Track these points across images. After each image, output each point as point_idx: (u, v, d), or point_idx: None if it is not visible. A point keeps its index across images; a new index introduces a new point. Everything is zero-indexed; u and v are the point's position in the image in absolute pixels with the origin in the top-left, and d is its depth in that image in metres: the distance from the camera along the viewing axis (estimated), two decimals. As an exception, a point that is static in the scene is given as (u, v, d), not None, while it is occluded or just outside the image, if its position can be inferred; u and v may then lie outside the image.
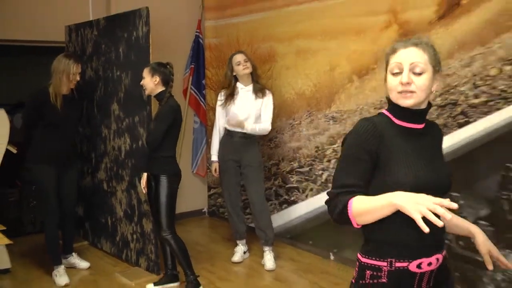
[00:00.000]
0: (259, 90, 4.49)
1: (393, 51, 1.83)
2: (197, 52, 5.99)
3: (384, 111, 1.92)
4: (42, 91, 4.10)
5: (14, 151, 4.42)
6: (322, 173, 4.67)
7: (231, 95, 4.50)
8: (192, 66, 5.96)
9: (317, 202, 4.76)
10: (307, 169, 4.85)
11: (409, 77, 1.74)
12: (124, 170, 4.56)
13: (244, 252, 4.77)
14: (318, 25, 4.70)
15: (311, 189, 4.81)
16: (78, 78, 4.15)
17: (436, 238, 1.76)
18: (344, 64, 4.47)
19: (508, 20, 3.36)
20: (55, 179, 4.18)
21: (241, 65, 4.42)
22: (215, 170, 4.67)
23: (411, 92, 1.75)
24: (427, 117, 1.90)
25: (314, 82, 4.77)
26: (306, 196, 4.86)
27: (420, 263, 1.74)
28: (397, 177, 1.71)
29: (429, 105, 1.86)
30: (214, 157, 4.66)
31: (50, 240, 4.21)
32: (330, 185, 4.51)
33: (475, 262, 3.55)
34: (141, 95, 4.23)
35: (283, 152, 5.14)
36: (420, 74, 1.75)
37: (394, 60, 1.80)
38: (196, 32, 5.97)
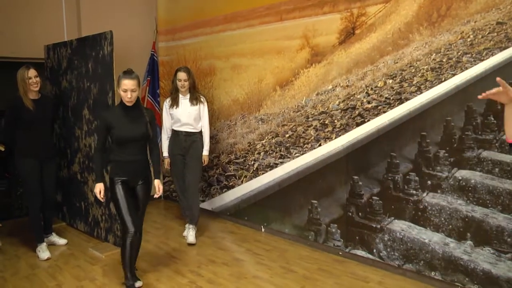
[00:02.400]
0: (194, 99, 4.43)
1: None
2: (152, 67, 5.94)
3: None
4: (15, 98, 4.00)
5: (2, 149, 4.32)
6: (254, 163, 4.74)
7: (175, 101, 4.46)
8: (149, 78, 5.91)
9: (250, 186, 4.81)
10: (242, 160, 4.92)
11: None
12: (94, 164, 4.50)
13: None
14: (248, 47, 4.78)
15: (245, 176, 4.87)
16: (35, 81, 3.99)
17: None
18: (269, 77, 4.56)
19: (388, 46, 3.56)
20: (37, 169, 4.09)
21: (181, 83, 4.37)
22: (167, 163, 4.65)
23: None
24: None
25: (246, 91, 4.85)
26: (242, 182, 4.92)
27: None
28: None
29: None
30: (166, 153, 4.60)
31: (34, 221, 4.13)
32: (261, 172, 4.64)
33: (370, 228, 3.75)
34: (107, 102, 4.21)
35: (222, 147, 5.19)
36: None
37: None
38: (151, 51, 5.92)
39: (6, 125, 4.06)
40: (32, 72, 3.99)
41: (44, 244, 4.18)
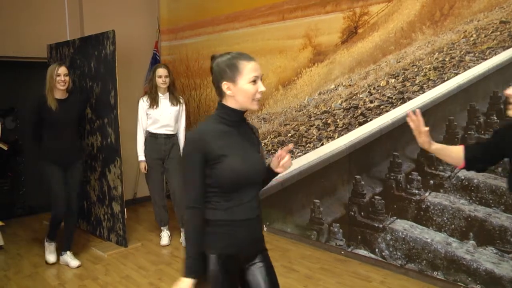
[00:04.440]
0: (174, 99, 4.29)
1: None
2: (155, 66, 5.95)
3: None
4: (39, 96, 3.74)
5: (5, 148, 4.31)
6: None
7: (154, 101, 4.23)
8: (150, 78, 5.91)
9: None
10: (244, 159, 4.89)
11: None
12: (97, 163, 4.51)
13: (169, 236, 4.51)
14: (251, 46, 4.77)
15: (248, 175, 4.84)
16: (63, 79, 3.70)
17: None
18: (271, 76, 4.56)
19: (390, 46, 3.55)
20: (59, 173, 3.79)
21: (161, 79, 4.21)
22: (144, 167, 4.29)
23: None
24: None
25: (248, 90, 4.83)
26: (244, 181, 4.89)
27: None
28: None
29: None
30: (142, 157, 4.28)
31: (54, 218, 3.83)
32: (262, 171, 4.62)
33: (372, 227, 3.75)
34: (109, 101, 4.20)
35: (225, 146, 5.16)
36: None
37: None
38: (154, 50, 5.92)
39: (32, 124, 3.83)
40: (62, 70, 3.73)
41: (54, 244, 3.98)
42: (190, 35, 5.60)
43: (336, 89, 3.97)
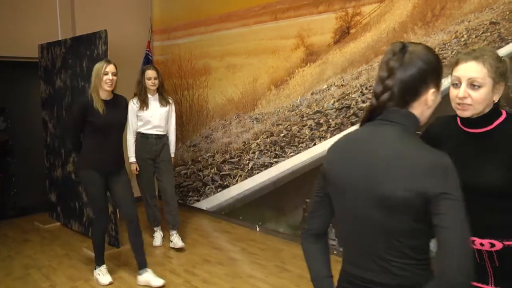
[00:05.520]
0: (163, 100, 4.25)
1: (456, 63, 1.54)
2: (147, 66, 5.92)
3: (458, 117, 1.64)
4: (84, 97, 3.40)
5: None
6: (249, 162, 4.72)
7: (144, 103, 4.19)
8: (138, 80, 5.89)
9: (245, 185, 4.78)
10: (236, 159, 4.89)
11: (465, 92, 1.49)
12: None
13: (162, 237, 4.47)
14: (243, 46, 4.76)
15: (240, 175, 4.84)
16: (111, 78, 3.31)
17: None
18: (264, 76, 4.54)
19: (383, 46, 3.55)
20: (102, 183, 3.43)
21: (151, 81, 4.16)
22: (136, 169, 4.25)
23: (468, 105, 1.50)
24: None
25: (241, 90, 4.83)
26: (237, 181, 4.89)
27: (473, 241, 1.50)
28: None
29: (494, 109, 1.54)
30: (133, 158, 4.23)
31: (96, 242, 3.54)
32: (255, 172, 4.62)
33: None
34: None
35: (217, 146, 5.16)
36: (478, 88, 1.48)
37: (454, 73, 1.53)
38: (146, 50, 5.88)
39: (72, 126, 3.48)
40: (111, 68, 3.34)
41: (104, 266, 3.59)
42: (182, 35, 5.57)
43: (328, 89, 3.96)
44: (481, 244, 1.54)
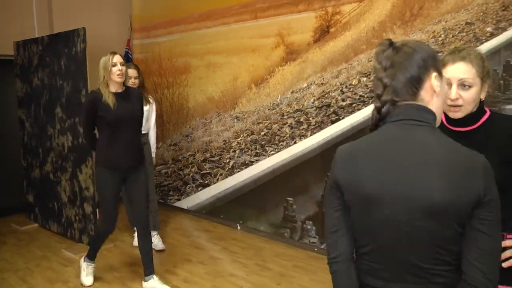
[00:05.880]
0: (144, 99, 4.11)
1: (443, 64, 1.51)
2: (126, 65, 5.86)
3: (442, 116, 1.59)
4: (93, 92, 3.21)
5: None
6: (229, 161, 4.70)
7: None
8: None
9: (225, 184, 4.75)
10: (217, 158, 4.87)
11: (457, 93, 1.49)
12: (67, 163, 4.39)
13: None
14: (224, 44, 4.74)
15: (221, 174, 4.82)
16: (120, 68, 3.14)
17: None
18: (244, 75, 4.53)
19: (362, 45, 3.58)
20: (115, 186, 3.23)
21: (131, 80, 4.02)
22: None
23: (460, 106, 1.51)
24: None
25: (221, 89, 4.80)
26: (217, 180, 4.87)
27: None
28: None
29: (480, 107, 1.56)
30: None
31: (96, 238, 3.44)
32: (236, 170, 4.61)
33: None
34: (80, 100, 4.10)
35: (198, 145, 5.13)
36: (468, 88, 1.49)
37: (444, 74, 1.44)
38: (126, 48, 5.81)
39: (84, 122, 3.31)
40: (118, 58, 3.18)
41: (93, 265, 3.49)
42: (163, 33, 5.52)
43: (308, 87, 3.97)
44: None
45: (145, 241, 3.33)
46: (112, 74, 3.15)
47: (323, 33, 3.81)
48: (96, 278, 3.52)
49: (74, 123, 4.22)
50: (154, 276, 3.33)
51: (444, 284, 1.12)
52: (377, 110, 1.19)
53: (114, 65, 3.15)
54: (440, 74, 1.19)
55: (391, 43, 1.21)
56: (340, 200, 1.24)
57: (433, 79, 1.17)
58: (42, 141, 4.73)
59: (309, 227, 4.03)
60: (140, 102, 3.37)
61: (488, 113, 1.59)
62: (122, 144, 3.19)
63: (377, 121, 1.20)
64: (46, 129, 4.62)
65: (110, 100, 3.12)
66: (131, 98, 3.27)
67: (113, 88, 3.20)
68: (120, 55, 3.24)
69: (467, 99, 1.49)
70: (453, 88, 1.50)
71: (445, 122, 1.62)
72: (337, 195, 1.24)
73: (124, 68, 3.19)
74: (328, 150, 3.81)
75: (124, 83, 3.28)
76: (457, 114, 1.53)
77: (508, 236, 1.54)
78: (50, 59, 4.48)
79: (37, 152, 4.82)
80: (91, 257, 3.47)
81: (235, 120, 4.65)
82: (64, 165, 4.43)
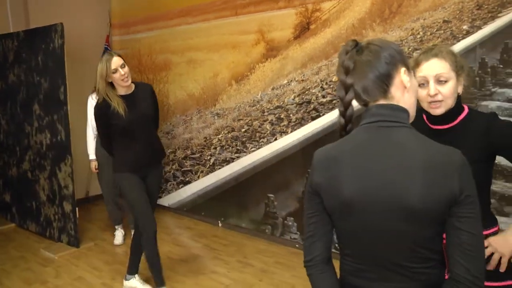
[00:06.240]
0: None
1: (417, 64, 1.56)
2: (105, 61, 5.76)
3: (423, 114, 1.63)
4: (99, 105, 2.97)
5: None
6: (210, 158, 4.67)
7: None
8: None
9: (206, 181, 4.72)
10: (198, 155, 4.84)
11: (435, 89, 1.51)
12: (46, 161, 4.31)
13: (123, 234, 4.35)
14: (204, 41, 4.70)
15: (202, 171, 4.79)
16: (123, 73, 2.87)
17: None
18: (224, 71, 4.50)
19: (342, 42, 3.59)
20: (142, 183, 3.06)
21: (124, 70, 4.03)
22: (95, 167, 4.16)
23: (440, 101, 1.52)
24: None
25: (201, 85, 4.77)
26: (198, 177, 4.84)
27: None
28: None
29: (458, 103, 1.57)
30: (92, 156, 4.12)
31: (146, 242, 3.08)
32: (217, 167, 4.59)
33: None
34: (59, 97, 4.02)
35: (179, 142, 5.08)
36: (445, 83, 1.51)
37: (419, 73, 1.54)
38: (105, 45, 5.71)
39: (99, 131, 3.14)
40: (115, 62, 2.86)
41: (139, 277, 3.31)
42: (142, 29, 5.44)
43: (289, 84, 3.97)
44: None
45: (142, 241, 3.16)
46: (115, 80, 2.90)
47: (303, 30, 3.81)
48: (76, 277, 3.48)
49: (53, 121, 4.14)
50: (137, 276, 3.30)
51: (428, 281, 1.13)
52: (341, 114, 1.19)
53: (115, 71, 2.86)
54: (408, 69, 1.18)
55: (356, 44, 1.20)
56: (319, 206, 1.23)
57: (402, 74, 1.16)
58: (19, 139, 4.63)
59: (290, 223, 4.03)
60: (153, 97, 3.17)
61: (466, 110, 1.60)
62: (141, 145, 3.02)
63: (344, 126, 1.20)
64: (23, 127, 4.52)
65: (120, 107, 2.88)
66: (142, 97, 3.04)
67: (122, 91, 2.97)
68: (120, 56, 2.96)
69: (445, 93, 1.51)
70: (430, 84, 1.52)
71: (425, 120, 1.64)
72: (316, 201, 1.23)
73: (126, 69, 2.92)
74: (308, 147, 3.82)
75: (133, 81, 3.05)
76: (438, 110, 1.54)
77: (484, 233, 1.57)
78: (26, 55, 4.38)
79: (14, 150, 4.71)
80: (132, 271, 3.28)
81: (216, 117, 4.63)
82: (42, 163, 4.35)
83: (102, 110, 2.92)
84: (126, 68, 2.91)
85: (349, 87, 1.17)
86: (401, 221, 1.08)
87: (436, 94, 1.52)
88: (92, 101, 4.04)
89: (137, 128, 2.98)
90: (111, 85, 2.95)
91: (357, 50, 1.18)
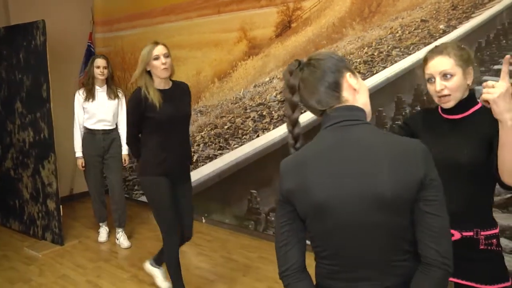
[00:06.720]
0: (112, 92, 4.03)
1: (424, 62, 1.65)
2: (89, 59, 5.67)
3: (439, 106, 1.70)
4: (136, 92, 2.69)
5: None
6: (193, 155, 4.66)
7: (90, 93, 3.95)
8: (86, 71, 5.64)
9: (190, 178, 4.73)
10: (182, 152, 4.82)
11: (441, 84, 1.58)
12: (29, 159, 4.26)
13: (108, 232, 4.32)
14: (187, 39, 4.69)
15: (186, 168, 4.78)
16: (164, 61, 2.64)
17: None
18: (207, 69, 4.50)
19: (323, 40, 3.63)
20: (170, 190, 2.79)
21: (99, 70, 3.93)
22: (81, 164, 4.07)
23: (448, 95, 1.58)
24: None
25: (185, 83, 4.77)
26: (182, 174, 4.83)
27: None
28: None
29: (470, 96, 1.63)
30: (79, 153, 4.03)
31: (170, 263, 2.91)
32: (200, 164, 4.59)
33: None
34: (41, 94, 3.98)
35: (163, 139, 5.06)
36: (450, 77, 1.57)
37: (426, 71, 1.63)
38: (88, 42, 5.65)
39: (128, 126, 2.86)
40: (159, 49, 2.67)
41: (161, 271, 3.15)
42: (125, 27, 5.41)
43: (271, 81, 4.00)
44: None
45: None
46: (154, 68, 2.67)
47: (285, 28, 3.83)
48: (59, 277, 3.46)
49: (36, 118, 4.10)
50: (161, 268, 3.16)
51: (404, 275, 1.15)
52: (289, 132, 1.26)
53: (157, 58, 2.65)
54: (353, 72, 1.24)
55: (299, 63, 1.25)
56: (291, 214, 1.23)
57: (348, 78, 1.22)
58: (1, 137, 4.57)
59: (273, 218, 4.07)
60: (189, 98, 2.94)
61: (480, 104, 1.65)
62: (175, 147, 2.78)
63: (293, 144, 1.26)
64: (5, 125, 4.47)
65: (155, 99, 2.64)
66: (179, 95, 2.82)
67: (159, 85, 2.73)
68: (164, 45, 2.73)
69: (451, 87, 1.57)
70: (436, 81, 1.59)
71: (440, 112, 1.70)
72: (288, 209, 1.23)
73: (169, 60, 2.70)
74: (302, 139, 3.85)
75: (171, 79, 2.82)
76: (448, 104, 1.61)
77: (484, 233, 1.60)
78: (7, 52, 4.32)
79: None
80: (159, 262, 3.17)
81: (199, 114, 4.63)
82: (25, 161, 4.30)
83: (138, 99, 2.65)
84: (169, 59, 2.71)
85: (295, 106, 1.23)
86: (374, 213, 1.11)
87: (442, 89, 1.58)
88: (79, 97, 4.00)
89: (173, 126, 2.75)
90: (149, 76, 2.74)
91: (300, 68, 1.23)
